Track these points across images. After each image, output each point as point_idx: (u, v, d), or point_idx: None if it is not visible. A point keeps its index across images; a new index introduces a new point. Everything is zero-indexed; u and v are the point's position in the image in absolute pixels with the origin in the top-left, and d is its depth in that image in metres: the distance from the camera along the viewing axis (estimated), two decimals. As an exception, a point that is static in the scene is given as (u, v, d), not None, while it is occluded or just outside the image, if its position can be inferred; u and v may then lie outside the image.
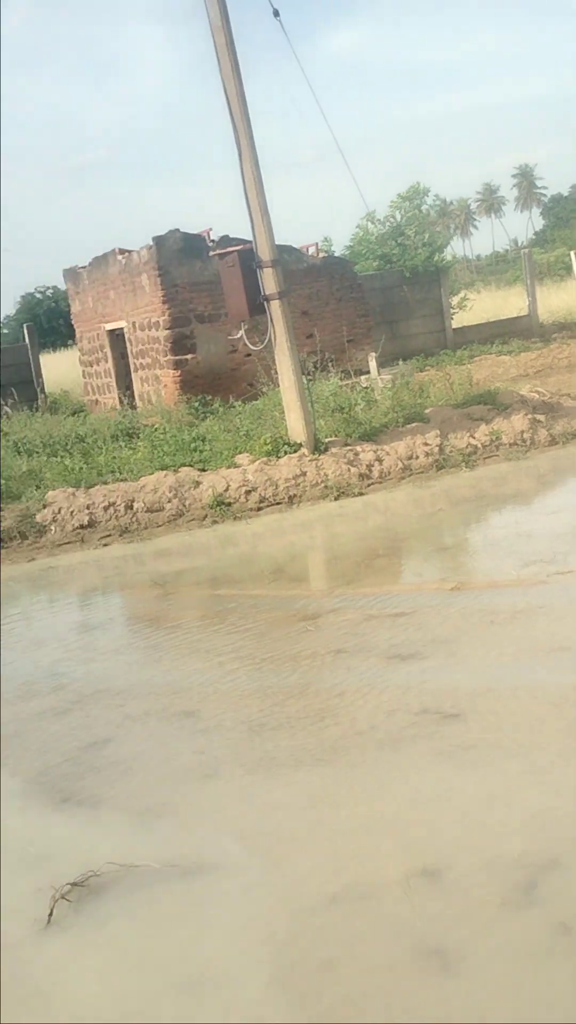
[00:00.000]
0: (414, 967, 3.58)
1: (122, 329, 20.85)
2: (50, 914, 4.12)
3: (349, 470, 12.75)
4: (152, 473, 13.01)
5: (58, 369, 27.00)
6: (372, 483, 12.72)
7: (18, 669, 7.70)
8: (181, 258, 18.55)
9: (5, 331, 67.56)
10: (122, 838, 4.77)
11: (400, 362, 20.58)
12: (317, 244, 21.20)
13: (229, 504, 12.29)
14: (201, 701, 6.40)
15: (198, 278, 18.62)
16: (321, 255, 21.04)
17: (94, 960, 3.90)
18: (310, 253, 20.52)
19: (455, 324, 26.51)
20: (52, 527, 12.17)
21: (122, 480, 13.14)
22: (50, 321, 56.69)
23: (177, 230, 18.59)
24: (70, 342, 37.85)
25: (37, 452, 15.59)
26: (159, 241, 18.47)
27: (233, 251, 13.24)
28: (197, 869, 4.38)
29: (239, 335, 13.99)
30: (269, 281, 12.82)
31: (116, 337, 21.44)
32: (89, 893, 4.26)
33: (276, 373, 13.63)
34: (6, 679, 7.49)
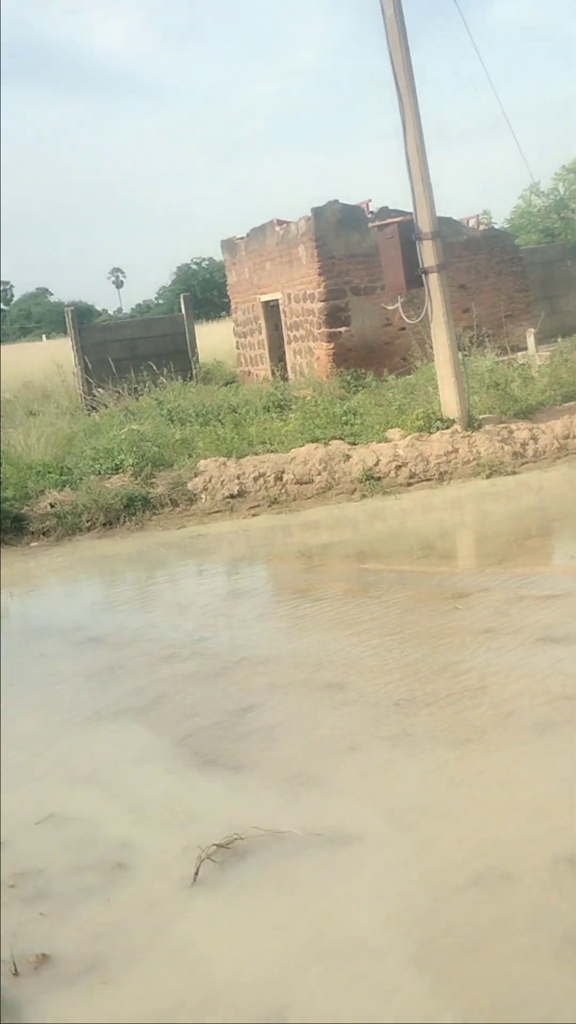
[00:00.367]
0: (559, 955, 3.49)
1: (277, 301, 20.92)
2: (196, 873, 4.20)
3: (502, 448, 12.50)
4: (302, 445, 13.05)
5: (210, 339, 27.32)
6: (526, 462, 12.44)
7: (163, 632, 7.86)
8: (339, 229, 18.45)
9: (160, 301, 68.98)
10: (266, 804, 4.82)
11: (559, 339, 20.01)
12: (477, 216, 20.77)
13: (379, 479, 12.23)
14: (345, 673, 6.40)
15: (355, 250, 18.49)
16: (481, 228, 20.61)
17: (237, 921, 3.95)
18: (470, 225, 20.13)
19: (618, 301, 25.56)
20: (203, 495, 12.35)
21: (272, 451, 13.22)
22: (204, 292, 57.52)
23: (336, 201, 18.49)
24: (223, 313, 38.32)
25: (190, 421, 15.83)
26: (317, 212, 18.42)
27: (393, 223, 13.12)
28: (340, 840, 4.39)
29: (395, 308, 13.85)
30: (428, 253, 12.64)
31: (271, 308, 21.53)
32: (233, 855, 4.32)
33: (431, 347, 13.45)
34: (151, 640, 7.65)
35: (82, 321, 26.02)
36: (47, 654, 7.65)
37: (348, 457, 12.54)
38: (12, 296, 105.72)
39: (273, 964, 3.66)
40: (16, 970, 3.74)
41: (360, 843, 4.37)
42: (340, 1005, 3.41)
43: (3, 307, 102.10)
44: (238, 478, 12.41)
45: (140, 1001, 3.54)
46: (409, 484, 12.16)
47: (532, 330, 17.83)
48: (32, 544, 11.50)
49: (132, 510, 11.99)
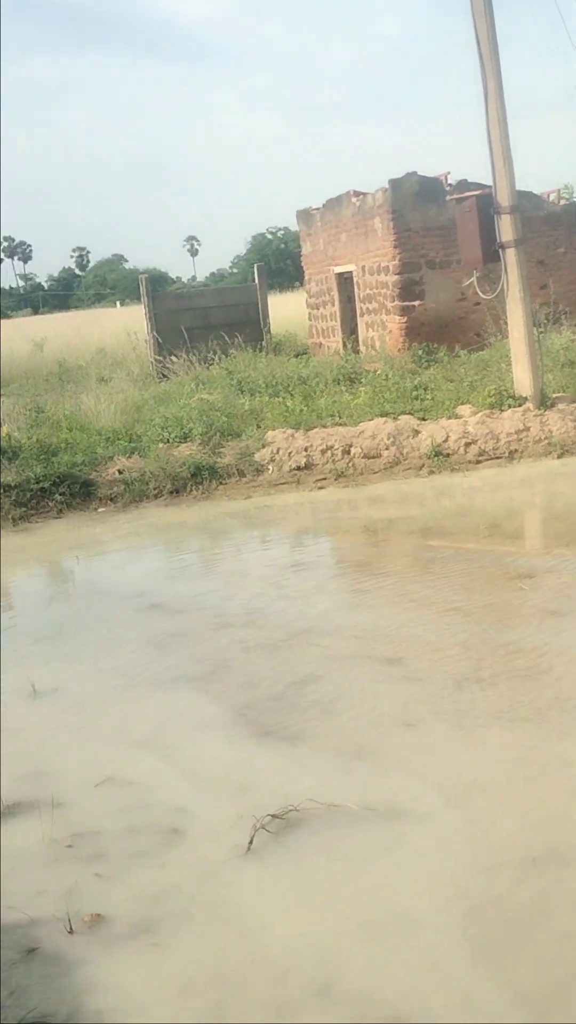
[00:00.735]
0: (613, 944, 3.46)
1: (351, 272, 20.77)
2: (250, 842, 4.23)
3: (575, 428, 12.29)
4: (371, 419, 12.97)
5: (283, 310, 27.19)
6: (599, 443, 12.22)
7: (224, 602, 7.88)
8: (416, 202, 18.23)
9: (234, 270, 68.98)
10: (321, 776, 4.83)
11: None
12: (558, 190, 20.35)
13: (447, 455, 12.12)
14: (405, 649, 6.37)
15: (432, 223, 18.25)
16: (562, 202, 20.20)
17: (289, 891, 3.97)
18: (550, 200, 19.73)
19: None
20: (270, 467, 12.36)
21: (341, 424, 13.16)
22: (278, 262, 57.39)
23: (414, 173, 18.25)
24: (297, 284, 38.18)
25: (259, 392, 15.82)
26: (395, 184, 18.20)
27: (471, 196, 12.91)
28: (395, 815, 4.38)
29: (470, 282, 13.66)
30: (506, 228, 12.43)
31: (344, 280, 21.39)
32: (288, 826, 4.34)
33: (505, 323, 13.25)
34: (212, 609, 7.68)
35: (156, 288, 26.05)
36: (110, 619, 7.73)
37: (417, 432, 12.44)
38: (88, 262, 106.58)
39: (323, 935, 3.68)
40: (71, 928, 3.81)
41: (414, 819, 4.36)
42: (389, 978, 3.42)
43: (79, 273, 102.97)
44: (305, 450, 12.39)
45: (190, 964, 3.58)
46: (478, 462, 12.04)
47: (611, 308, 17.47)
48: (100, 509, 11.63)
49: (199, 479, 12.04)
